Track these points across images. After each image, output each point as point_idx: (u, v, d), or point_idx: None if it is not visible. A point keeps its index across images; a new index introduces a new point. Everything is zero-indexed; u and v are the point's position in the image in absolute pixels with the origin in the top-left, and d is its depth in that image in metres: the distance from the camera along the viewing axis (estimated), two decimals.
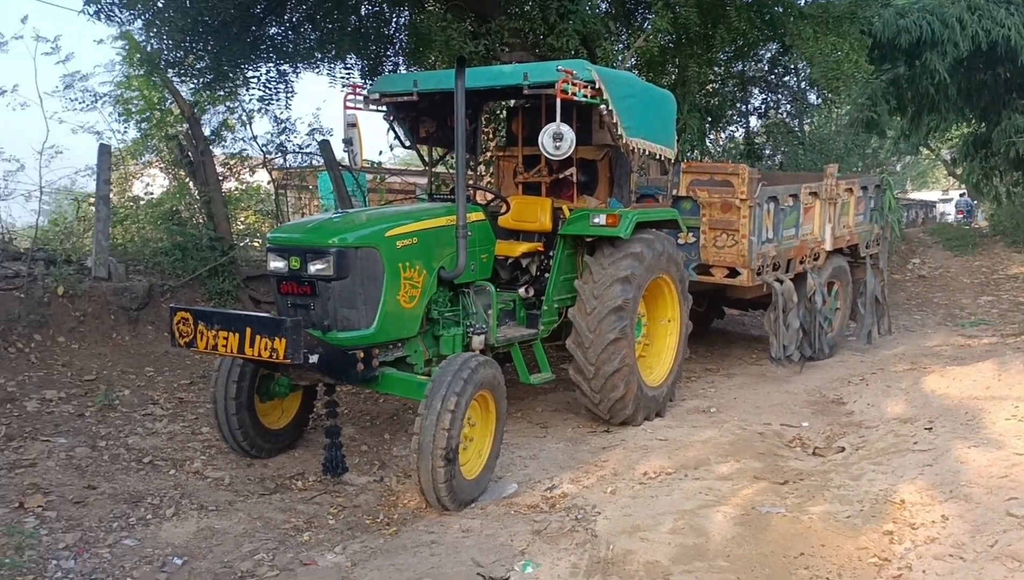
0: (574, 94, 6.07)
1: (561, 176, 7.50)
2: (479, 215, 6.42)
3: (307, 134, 11.01)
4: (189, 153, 9.49)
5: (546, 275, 7.12)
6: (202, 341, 4.99)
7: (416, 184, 14.28)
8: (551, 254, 7.16)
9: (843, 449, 6.25)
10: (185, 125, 9.73)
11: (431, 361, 6.10)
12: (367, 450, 6.48)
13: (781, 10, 10.96)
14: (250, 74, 10.07)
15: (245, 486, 5.61)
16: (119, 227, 9.51)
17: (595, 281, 6.69)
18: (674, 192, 8.65)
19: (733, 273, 8.65)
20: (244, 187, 11.45)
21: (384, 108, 7.18)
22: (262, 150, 10.58)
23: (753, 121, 17.11)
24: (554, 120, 5.98)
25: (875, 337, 10.84)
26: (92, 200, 10.95)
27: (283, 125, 10.65)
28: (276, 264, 5.40)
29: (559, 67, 6.04)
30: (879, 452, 5.95)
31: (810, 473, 5.69)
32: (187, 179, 9.76)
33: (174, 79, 9.48)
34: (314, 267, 5.24)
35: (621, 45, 12.10)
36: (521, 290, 7.00)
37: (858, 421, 7.14)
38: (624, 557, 4.36)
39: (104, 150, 9.07)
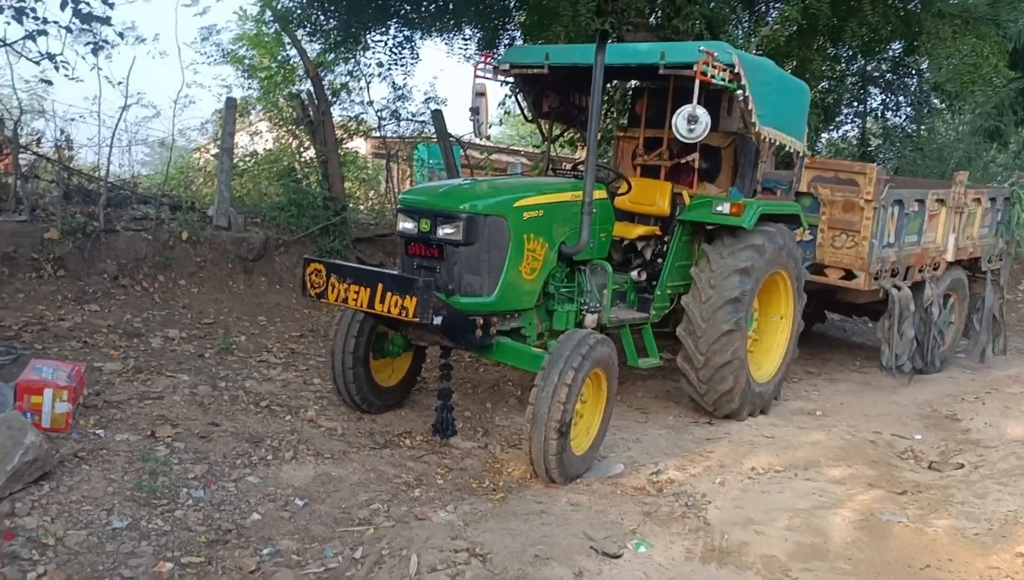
0: (713, 76, 5.94)
1: (683, 161, 7.38)
2: (602, 193, 6.37)
3: (423, 102, 11.10)
4: (310, 112, 9.69)
5: (659, 260, 7.05)
6: (333, 293, 5.11)
7: (509, 162, 14.28)
8: (666, 239, 7.08)
9: (962, 466, 6.03)
10: (308, 84, 9.94)
11: (543, 335, 6.12)
12: (470, 416, 6.55)
13: (919, 6, 10.51)
14: (376, 38, 10.20)
15: (357, 438, 5.74)
16: (237, 180, 9.78)
17: (713, 270, 6.59)
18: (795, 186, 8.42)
19: (849, 275, 8.39)
20: (344, 153, 11.59)
21: (511, 79, 7.18)
22: (377, 115, 10.72)
23: (869, 122, 16.51)
24: (685, 103, 5.87)
25: (988, 356, 10.40)
26: (202, 151, 11.34)
27: (400, 92, 10.79)
28: (406, 225, 5.48)
29: (701, 48, 5.92)
30: (1003, 473, 5.73)
31: (928, 486, 5.51)
32: (306, 138, 9.98)
33: (302, 38, 9.68)
34: (443, 231, 5.30)
35: (744, 31, 11.82)
36: (634, 273, 6.94)
37: (975, 439, 6.88)
38: (739, 548, 4.31)
39: (231, 103, 9.34)
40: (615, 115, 10.61)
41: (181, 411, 5.57)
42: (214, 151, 10.90)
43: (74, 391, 4.95)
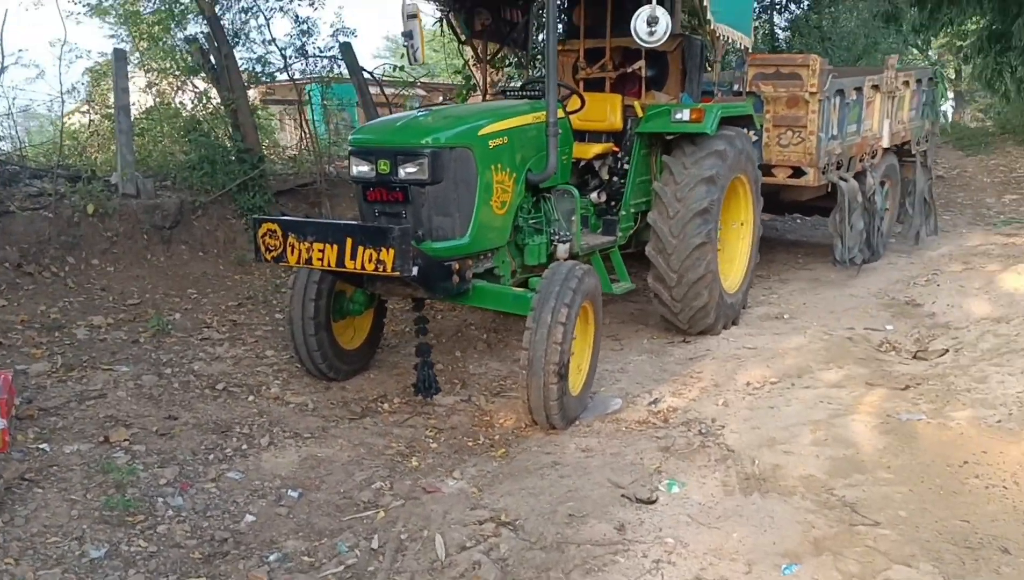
0: None
1: (629, 70, 6.97)
2: (560, 112, 5.90)
3: (331, 36, 10.23)
4: (211, 57, 8.77)
5: (614, 178, 6.68)
6: (293, 254, 4.54)
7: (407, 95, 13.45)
8: (619, 156, 6.70)
9: (946, 351, 5.98)
10: (203, 26, 8.98)
11: (515, 273, 5.71)
12: (442, 368, 6.11)
13: None
14: None
15: (331, 411, 5.27)
16: (137, 140, 8.85)
17: (677, 183, 6.26)
18: (736, 87, 8.13)
19: (797, 173, 8.22)
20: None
21: None
22: (282, 54, 9.83)
23: (774, 17, 16.39)
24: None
25: (923, 237, 10.52)
26: (78, 113, 10.25)
27: (303, 26, 9.87)
28: (361, 168, 4.91)
29: None
30: (990, 353, 5.69)
31: (925, 377, 5.42)
32: (209, 86, 9.08)
33: None
34: (406, 170, 4.76)
35: None
36: (593, 195, 6.56)
37: (944, 322, 6.86)
38: (774, 472, 4.08)
39: (120, 55, 8.36)
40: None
41: (130, 408, 4.97)
42: (92, 115, 9.83)
43: (6, 403, 4.29)
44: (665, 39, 5.47)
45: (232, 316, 6.94)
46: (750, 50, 7.14)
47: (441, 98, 14.39)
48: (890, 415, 4.63)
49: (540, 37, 9.87)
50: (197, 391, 5.33)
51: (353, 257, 4.37)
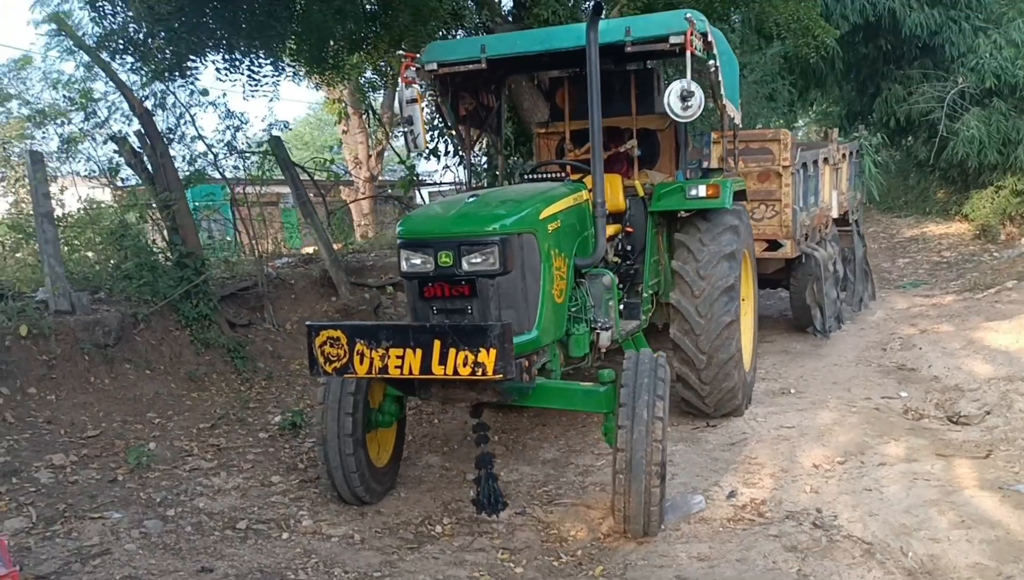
0: (695, 48, 5.35)
1: (622, 149, 6.78)
2: (585, 194, 5.56)
3: (263, 130, 9.58)
4: (143, 156, 7.95)
5: (616, 259, 6.38)
6: (363, 364, 3.90)
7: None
8: (622, 236, 6.42)
9: (987, 414, 5.91)
10: (132, 126, 8.18)
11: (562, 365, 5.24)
12: (473, 478, 5.48)
13: None
14: (196, 64, 8.47)
15: (382, 541, 4.55)
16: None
17: (698, 260, 6.03)
18: (705, 164, 8.10)
19: (773, 246, 8.21)
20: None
21: (430, 82, 6.18)
22: (209, 149, 9.08)
23: None
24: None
25: (865, 303, 10.78)
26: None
27: (233, 120, 9.18)
28: (415, 261, 4.36)
29: (687, 15, 5.28)
30: None
31: (992, 443, 5.30)
32: (142, 187, 8.21)
33: (118, 68, 7.90)
34: (471, 261, 4.26)
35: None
36: (607, 278, 6.21)
37: (953, 386, 6.86)
38: (935, 564, 3.73)
39: (37, 158, 7.44)
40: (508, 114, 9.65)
41: (148, 563, 4.09)
42: None
43: (17, 576, 3.38)
44: (698, 114, 5.28)
45: (212, 440, 6.05)
46: (740, 125, 7.10)
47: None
48: (1002, 487, 4.41)
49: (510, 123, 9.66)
50: (217, 534, 4.49)
51: (443, 362, 3.79)
